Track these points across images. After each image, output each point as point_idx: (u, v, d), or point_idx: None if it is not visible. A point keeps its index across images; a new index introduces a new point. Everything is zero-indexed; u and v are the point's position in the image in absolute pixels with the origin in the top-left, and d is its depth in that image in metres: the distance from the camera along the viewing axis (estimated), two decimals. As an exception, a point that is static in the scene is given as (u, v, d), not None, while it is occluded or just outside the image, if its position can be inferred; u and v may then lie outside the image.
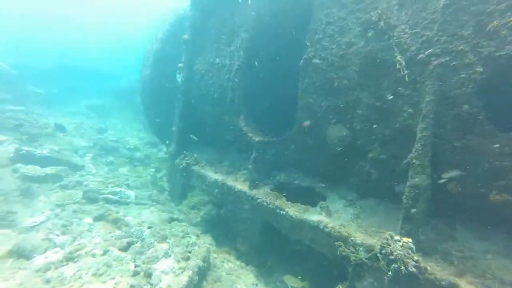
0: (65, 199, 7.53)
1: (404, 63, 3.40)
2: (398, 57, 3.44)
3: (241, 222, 6.05)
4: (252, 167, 5.90)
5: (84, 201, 7.89)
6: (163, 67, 10.22)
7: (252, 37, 6.35)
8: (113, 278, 3.73)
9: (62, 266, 4.14)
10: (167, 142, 9.07)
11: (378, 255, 3.77)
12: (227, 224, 6.85)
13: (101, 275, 4.03)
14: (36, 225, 5.93)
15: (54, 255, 4.44)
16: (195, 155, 7.43)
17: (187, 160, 7.34)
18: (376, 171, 4.60)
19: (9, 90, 15.06)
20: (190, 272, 4.35)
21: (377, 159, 4.47)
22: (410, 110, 3.68)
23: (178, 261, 4.64)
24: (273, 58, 6.57)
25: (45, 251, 4.65)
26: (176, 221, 6.46)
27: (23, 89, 16.74)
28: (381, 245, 3.74)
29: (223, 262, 5.96)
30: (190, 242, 5.77)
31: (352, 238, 4.15)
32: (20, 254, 4.46)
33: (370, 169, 4.65)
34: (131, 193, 9.09)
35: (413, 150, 3.55)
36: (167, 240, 5.32)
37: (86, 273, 3.95)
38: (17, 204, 6.59)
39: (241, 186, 6.06)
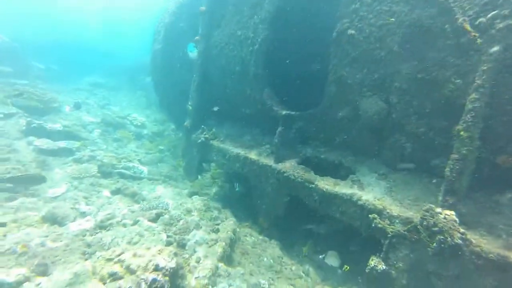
0: (81, 172, 7.46)
1: (470, 28, 3.25)
2: (460, 20, 3.28)
3: (265, 197, 6.03)
4: (278, 141, 5.82)
5: (99, 175, 7.84)
6: (175, 41, 9.92)
7: (278, 9, 6.11)
8: (149, 248, 3.69)
9: (96, 233, 4.12)
10: (183, 116, 8.89)
11: (418, 227, 3.77)
12: (248, 198, 6.86)
13: (135, 243, 4.02)
14: (58, 196, 5.88)
15: (86, 223, 4.41)
16: (213, 129, 7.32)
17: (205, 134, 7.24)
18: (411, 145, 4.55)
19: (11, 64, 14.64)
20: (223, 243, 4.34)
21: (414, 132, 4.41)
22: (458, 80, 3.58)
23: (209, 233, 4.63)
24: (300, 31, 6.36)
25: (75, 219, 4.63)
26: (197, 195, 6.42)
27: (24, 63, 16.28)
28: (421, 217, 3.73)
29: (246, 236, 5.99)
30: (213, 216, 5.77)
31: (388, 210, 4.15)
32: (54, 220, 4.44)
33: (405, 143, 4.59)
34: (144, 169, 9.05)
35: (461, 121, 3.48)
36: (191, 214, 5.29)
37: (121, 241, 3.93)
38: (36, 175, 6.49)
39: (265, 160, 6.00)
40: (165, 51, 9.94)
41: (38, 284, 2.75)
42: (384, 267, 4.20)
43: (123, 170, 8.39)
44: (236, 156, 6.40)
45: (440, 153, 4.29)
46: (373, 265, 4.26)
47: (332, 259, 4.65)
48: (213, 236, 4.55)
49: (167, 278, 2.83)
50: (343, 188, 4.83)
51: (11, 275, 2.84)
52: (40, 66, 17.82)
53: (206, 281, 3.44)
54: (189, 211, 5.30)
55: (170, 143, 12.29)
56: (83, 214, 4.92)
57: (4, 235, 3.82)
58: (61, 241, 3.75)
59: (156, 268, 2.90)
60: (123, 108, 15.64)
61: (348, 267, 4.70)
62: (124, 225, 4.36)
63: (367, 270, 4.31)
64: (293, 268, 5.25)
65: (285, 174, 5.57)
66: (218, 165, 7.11)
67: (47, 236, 3.81)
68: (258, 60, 6.30)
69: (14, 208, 4.83)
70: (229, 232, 4.76)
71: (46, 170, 7.13)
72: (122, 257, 3.03)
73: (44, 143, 8.15)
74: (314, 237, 5.98)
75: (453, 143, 3.70)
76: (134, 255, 3.04)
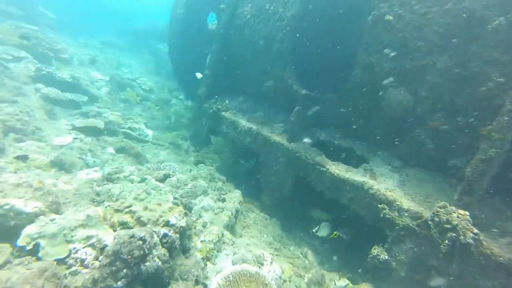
0: (87, 125, 7.32)
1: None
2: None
3: (272, 175, 5.98)
4: (293, 120, 5.72)
5: (105, 132, 7.72)
6: (197, 9, 9.63)
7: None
8: (160, 204, 3.61)
9: (104, 184, 4.05)
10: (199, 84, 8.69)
11: (429, 222, 3.74)
12: (251, 175, 6.81)
13: (141, 200, 3.94)
14: (64, 145, 5.79)
15: (94, 173, 4.34)
16: (226, 101, 7.18)
17: (218, 105, 7.09)
18: (431, 141, 4.46)
19: (21, 6, 14.12)
20: (229, 213, 4.30)
21: (437, 129, 4.32)
22: (500, 79, 3.46)
23: (215, 201, 4.58)
24: (331, 11, 6.14)
25: (81, 168, 4.56)
26: (202, 164, 6.34)
27: (35, 8, 15.75)
28: (433, 213, 3.70)
29: (247, 211, 5.97)
30: (217, 186, 5.72)
31: (398, 203, 4.11)
32: (61, 166, 4.37)
33: (426, 139, 4.51)
34: (149, 132, 8.96)
35: (495, 122, 3.38)
36: (198, 180, 5.23)
37: (128, 195, 3.86)
38: (43, 122, 6.38)
39: (277, 138, 5.91)
40: (185, 17, 9.67)
41: (53, 220, 2.71)
42: (386, 257, 4.20)
43: (128, 130, 8.28)
44: (248, 130, 6.30)
45: (460, 154, 4.23)
46: (375, 253, 4.27)
47: (323, 230, 4.63)
48: (220, 204, 4.51)
49: (177, 235, 2.78)
50: (354, 175, 4.78)
51: (29, 206, 2.80)
52: (51, 15, 17.26)
53: (212, 245, 3.42)
54: (195, 178, 5.24)
55: (176, 112, 12.16)
56: (89, 165, 4.85)
57: (15, 172, 3.76)
58: (71, 185, 3.70)
59: (167, 224, 2.85)
60: (132, 71, 15.34)
61: (336, 233, 4.69)
62: (131, 181, 4.29)
63: (368, 259, 4.33)
64: (292, 248, 5.27)
65: (296, 154, 5.51)
66: (227, 137, 7.00)
67: (57, 179, 3.75)
68: (284, 36, 6.10)
69: (23, 149, 4.74)
70: (235, 203, 4.72)
71: (53, 119, 7.00)
72: (133, 208, 2.97)
73: (52, 92, 7.97)
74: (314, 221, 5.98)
75: (478, 144, 3.63)
76: (145, 208, 2.99)
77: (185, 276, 2.71)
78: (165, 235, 2.66)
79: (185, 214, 3.13)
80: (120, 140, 7.67)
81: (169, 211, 3.09)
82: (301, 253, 5.19)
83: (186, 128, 10.36)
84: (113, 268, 2.22)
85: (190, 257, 2.95)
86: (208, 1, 9.61)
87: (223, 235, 3.80)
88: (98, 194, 3.61)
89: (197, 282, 2.90)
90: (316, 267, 4.74)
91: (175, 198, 4.10)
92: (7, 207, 2.66)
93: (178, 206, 3.96)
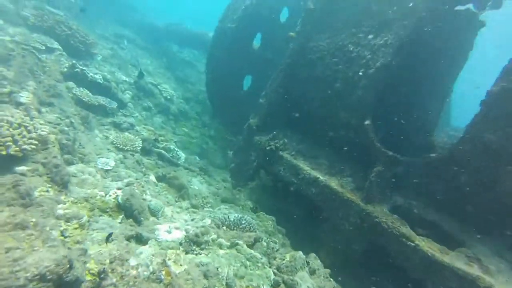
0: (125, 144, 6.47)
1: None
2: None
3: (338, 233, 5.38)
4: (374, 181, 5.17)
5: (139, 151, 6.86)
6: (249, 27, 9.06)
7: (409, 37, 5.47)
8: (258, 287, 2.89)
9: (192, 251, 3.24)
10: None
11: None
12: (306, 227, 6.16)
13: (241, 277, 3.20)
14: (110, 169, 4.95)
15: (176, 232, 3.52)
16: (285, 140, 6.56)
17: (276, 143, 6.46)
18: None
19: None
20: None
21: None
22: None
23: (310, 276, 3.84)
24: (428, 66, 5.75)
25: (149, 217, 3.74)
26: (263, 213, 5.57)
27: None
28: None
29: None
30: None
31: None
32: (130, 213, 3.56)
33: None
34: (182, 155, 8.18)
35: None
36: (273, 239, 4.49)
37: (228, 272, 3.11)
38: (82, 134, 5.49)
39: (350, 195, 5.34)
40: (235, 32, 9.05)
41: None
42: None
43: (163, 151, 7.49)
44: (314, 180, 5.69)
45: None
46: None
47: None
48: (319, 282, 3.77)
49: None
50: (456, 262, 4.24)
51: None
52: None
53: None
54: (270, 234, 4.51)
55: (195, 127, 11.54)
56: (151, 209, 4.03)
57: (88, 220, 2.93)
58: (180, 265, 2.89)
59: None
60: (150, 73, 14.42)
61: None
62: (220, 246, 3.49)
63: None
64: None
65: (376, 220, 4.94)
66: (282, 180, 6.29)
67: (166, 258, 2.87)
68: (369, 85, 5.62)
69: (77, 178, 3.87)
70: (331, 280, 4.03)
71: (88, 129, 6.10)
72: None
73: (85, 94, 7.05)
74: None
75: None
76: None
77: None
78: None
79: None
80: (155, 163, 6.86)
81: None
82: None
83: (214, 153, 9.71)
84: None
85: None
86: (260, 21, 9.12)
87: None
88: (205, 276, 2.82)
89: None
90: None
91: (274, 273, 3.38)
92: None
93: (280, 285, 3.26)
